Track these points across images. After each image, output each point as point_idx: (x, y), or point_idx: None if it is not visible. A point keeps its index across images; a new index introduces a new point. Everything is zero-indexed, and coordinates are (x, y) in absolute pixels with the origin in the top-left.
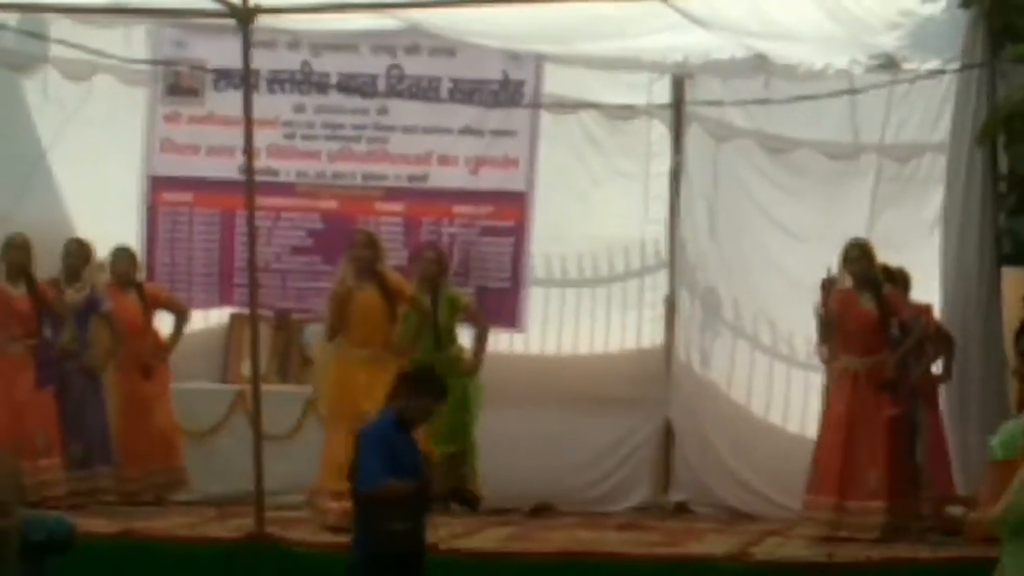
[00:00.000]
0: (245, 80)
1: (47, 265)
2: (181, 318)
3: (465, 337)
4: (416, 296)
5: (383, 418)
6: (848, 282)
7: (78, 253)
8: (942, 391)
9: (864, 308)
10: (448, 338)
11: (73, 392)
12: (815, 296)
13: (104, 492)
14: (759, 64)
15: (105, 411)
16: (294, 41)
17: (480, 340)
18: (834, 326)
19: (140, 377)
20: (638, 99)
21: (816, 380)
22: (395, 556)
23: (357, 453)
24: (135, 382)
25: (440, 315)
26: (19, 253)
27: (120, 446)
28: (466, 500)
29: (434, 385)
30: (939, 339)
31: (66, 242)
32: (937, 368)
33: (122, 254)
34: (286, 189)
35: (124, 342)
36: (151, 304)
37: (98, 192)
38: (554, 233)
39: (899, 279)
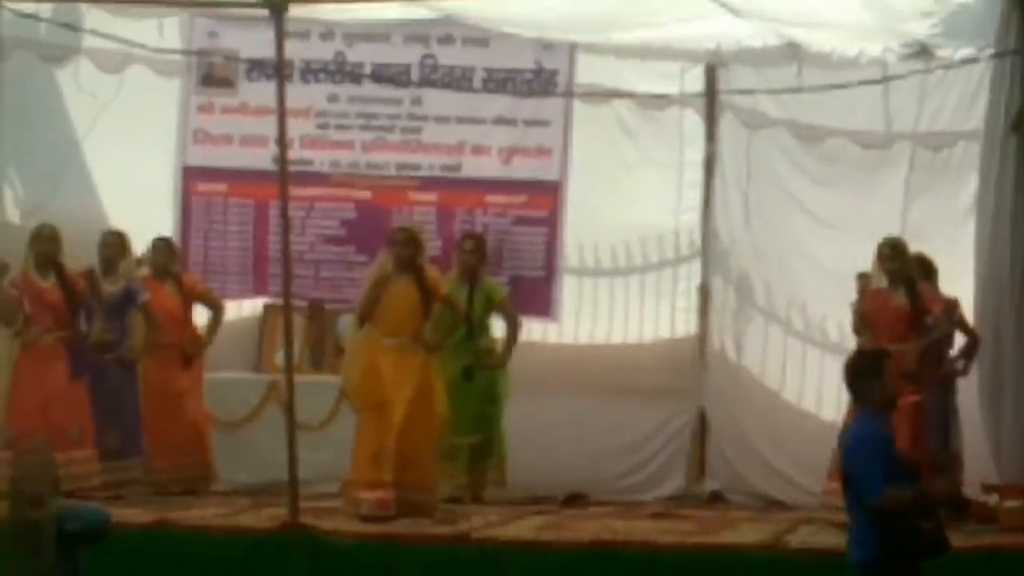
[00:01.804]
0: (278, 70)
1: (81, 256)
2: (217, 312)
3: (498, 328)
4: (451, 295)
5: (865, 423)
6: (882, 280)
7: (115, 245)
8: (972, 381)
9: (896, 304)
10: (481, 329)
11: (109, 383)
12: (848, 285)
13: (135, 483)
14: (792, 52)
15: (139, 403)
16: (327, 31)
17: (511, 334)
18: (866, 322)
19: (177, 369)
20: (671, 88)
21: None
22: (914, 554)
23: (850, 460)
24: (170, 374)
25: (475, 305)
26: (48, 244)
27: (151, 438)
28: None
29: (878, 359)
30: (963, 333)
31: (103, 234)
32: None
33: (161, 245)
34: (320, 179)
35: (161, 333)
36: (188, 296)
37: (132, 183)
38: (587, 222)
39: (926, 267)
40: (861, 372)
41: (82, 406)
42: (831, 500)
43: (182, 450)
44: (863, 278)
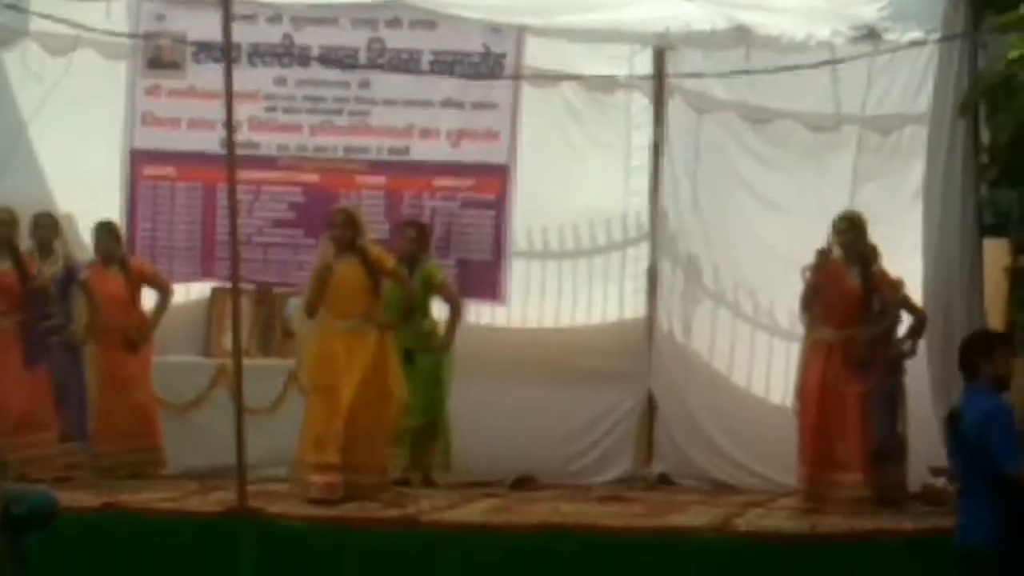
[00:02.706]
0: (226, 53)
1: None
2: (165, 296)
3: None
4: (397, 268)
5: (985, 398)
6: (837, 253)
7: (48, 226)
8: (921, 363)
9: (850, 284)
10: (421, 312)
11: (58, 367)
12: (796, 267)
13: (80, 467)
14: (740, 36)
15: (85, 386)
16: (275, 14)
17: (453, 317)
18: (818, 296)
19: (123, 353)
20: (619, 71)
21: (797, 350)
22: None
23: (980, 434)
24: (117, 358)
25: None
26: (4, 228)
27: (98, 422)
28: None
29: (991, 339)
30: (910, 313)
31: (35, 216)
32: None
33: (104, 229)
34: (267, 162)
35: (106, 316)
36: (136, 279)
37: (79, 166)
38: (536, 205)
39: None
40: (975, 351)
41: (41, 390)
42: (805, 486)
43: (130, 434)
44: (822, 254)
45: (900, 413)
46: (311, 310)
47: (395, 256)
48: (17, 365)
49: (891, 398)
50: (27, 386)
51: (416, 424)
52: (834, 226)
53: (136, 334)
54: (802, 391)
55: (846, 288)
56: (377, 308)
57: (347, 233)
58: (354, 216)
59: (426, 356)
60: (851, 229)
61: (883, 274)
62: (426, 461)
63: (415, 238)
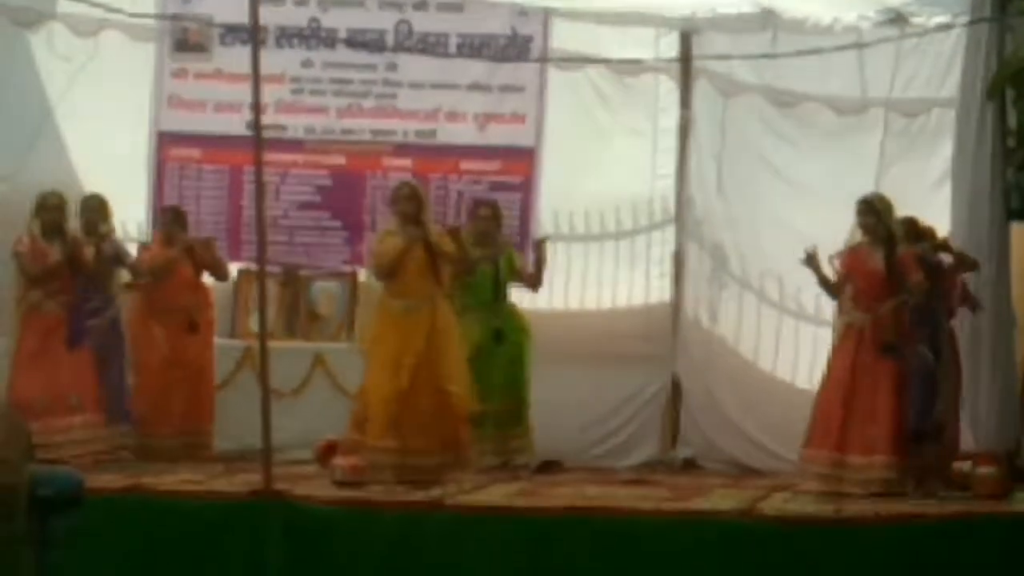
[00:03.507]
0: (253, 35)
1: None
2: (220, 279)
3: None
4: (457, 251)
5: None
6: (859, 236)
7: (96, 208)
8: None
9: (873, 267)
10: (505, 290)
11: (102, 347)
12: (821, 252)
13: (125, 449)
14: (767, 18)
15: (124, 368)
16: None
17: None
18: (842, 284)
19: (186, 334)
20: (646, 54)
21: (824, 335)
22: None
23: None
24: (180, 339)
25: (500, 269)
26: (54, 214)
27: (152, 404)
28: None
29: None
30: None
31: (84, 197)
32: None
33: (170, 214)
34: (294, 145)
35: (148, 287)
36: (199, 262)
37: (106, 149)
38: (562, 189)
39: (916, 232)
40: None
41: (84, 372)
42: (809, 467)
43: (185, 416)
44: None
45: (940, 395)
46: (390, 274)
47: (473, 238)
48: (59, 348)
49: (929, 379)
50: (68, 369)
51: (498, 407)
52: (856, 208)
53: (199, 315)
54: (829, 374)
55: (868, 271)
56: (436, 288)
57: (412, 206)
58: (418, 190)
59: (510, 339)
60: (870, 212)
61: (909, 255)
62: (508, 445)
63: (490, 217)
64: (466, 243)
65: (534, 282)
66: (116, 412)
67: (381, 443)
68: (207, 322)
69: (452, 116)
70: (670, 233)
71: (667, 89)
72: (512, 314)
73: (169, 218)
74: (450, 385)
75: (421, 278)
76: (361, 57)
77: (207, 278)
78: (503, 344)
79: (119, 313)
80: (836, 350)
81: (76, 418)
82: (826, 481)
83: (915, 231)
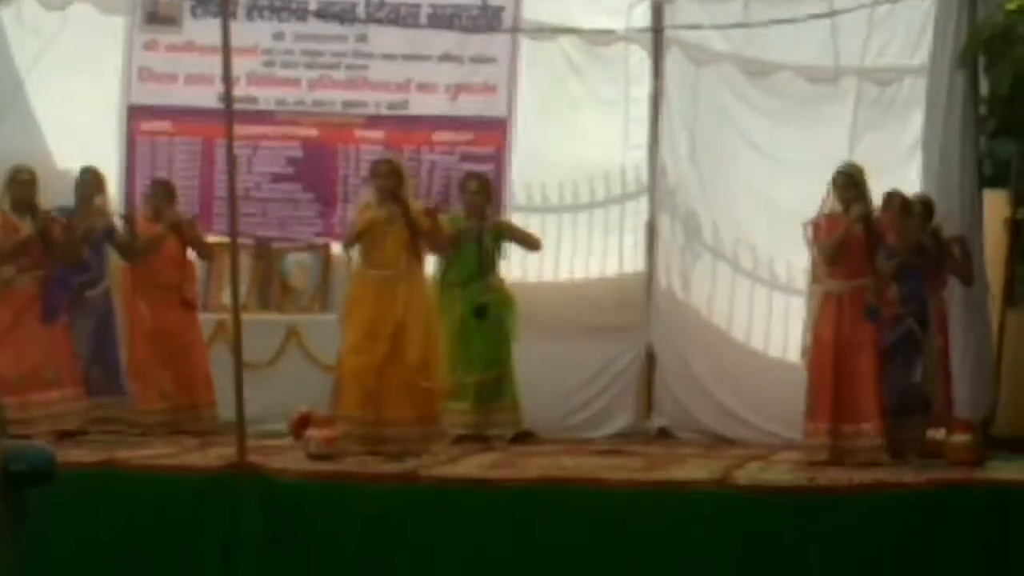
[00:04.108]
0: (223, 8)
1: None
2: (207, 260)
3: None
4: (433, 228)
5: None
6: (835, 206)
7: (91, 182)
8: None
9: (853, 233)
10: (491, 265)
11: (91, 322)
12: (796, 220)
13: (115, 422)
14: None
15: (117, 342)
16: None
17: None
18: (824, 253)
19: (178, 311)
20: (617, 24)
21: (797, 304)
22: None
23: None
24: (170, 316)
25: (485, 244)
26: (24, 189)
27: (144, 380)
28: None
29: None
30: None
31: (80, 171)
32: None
33: (160, 187)
34: (265, 117)
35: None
36: (187, 238)
37: (76, 122)
38: (534, 159)
39: (906, 208)
40: None
41: (59, 346)
42: (812, 440)
43: (181, 392)
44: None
45: (920, 366)
46: (351, 244)
47: (464, 211)
48: (33, 323)
49: (911, 349)
50: (43, 344)
51: (480, 379)
52: (833, 181)
53: (190, 292)
54: (815, 345)
55: (850, 239)
56: (414, 261)
57: (391, 182)
58: (398, 166)
59: (493, 312)
60: (851, 185)
61: (886, 221)
62: (490, 418)
63: (478, 190)
64: (448, 221)
65: (532, 243)
66: (109, 385)
67: (355, 412)
68: (192, 296)
69: (424, 87)
70: (643, 203)
71: (639, 59)
72: (498, 289)
73: (159, 191)
74: (425, 357)
75: (399, 251)
76: (332, 29)
77: (191, 254)
78: (486, 319)
79: (110, 287)
80: (819, 320)
81: (53, 392)
82: (825, 452)
83: (906, 205)
